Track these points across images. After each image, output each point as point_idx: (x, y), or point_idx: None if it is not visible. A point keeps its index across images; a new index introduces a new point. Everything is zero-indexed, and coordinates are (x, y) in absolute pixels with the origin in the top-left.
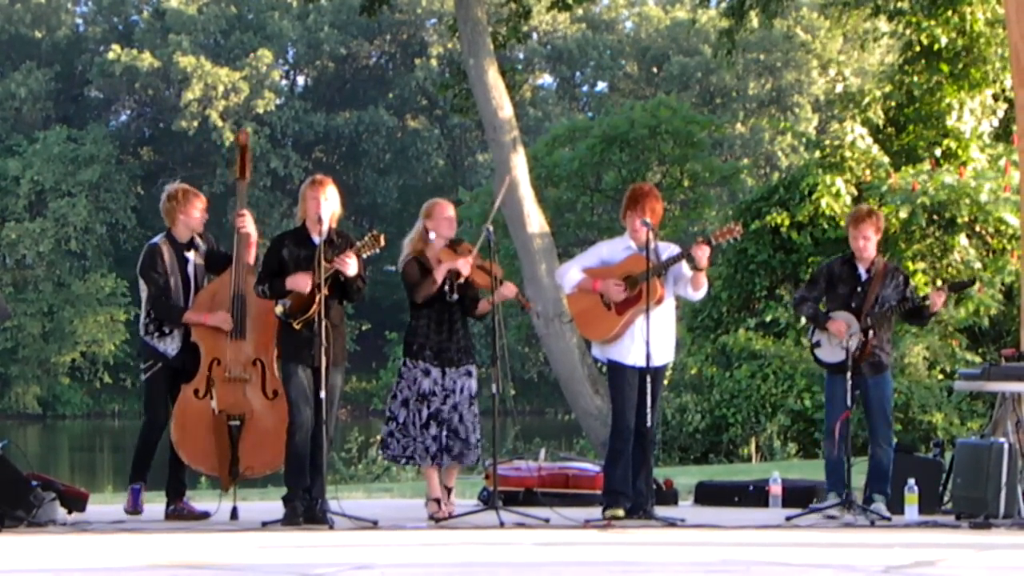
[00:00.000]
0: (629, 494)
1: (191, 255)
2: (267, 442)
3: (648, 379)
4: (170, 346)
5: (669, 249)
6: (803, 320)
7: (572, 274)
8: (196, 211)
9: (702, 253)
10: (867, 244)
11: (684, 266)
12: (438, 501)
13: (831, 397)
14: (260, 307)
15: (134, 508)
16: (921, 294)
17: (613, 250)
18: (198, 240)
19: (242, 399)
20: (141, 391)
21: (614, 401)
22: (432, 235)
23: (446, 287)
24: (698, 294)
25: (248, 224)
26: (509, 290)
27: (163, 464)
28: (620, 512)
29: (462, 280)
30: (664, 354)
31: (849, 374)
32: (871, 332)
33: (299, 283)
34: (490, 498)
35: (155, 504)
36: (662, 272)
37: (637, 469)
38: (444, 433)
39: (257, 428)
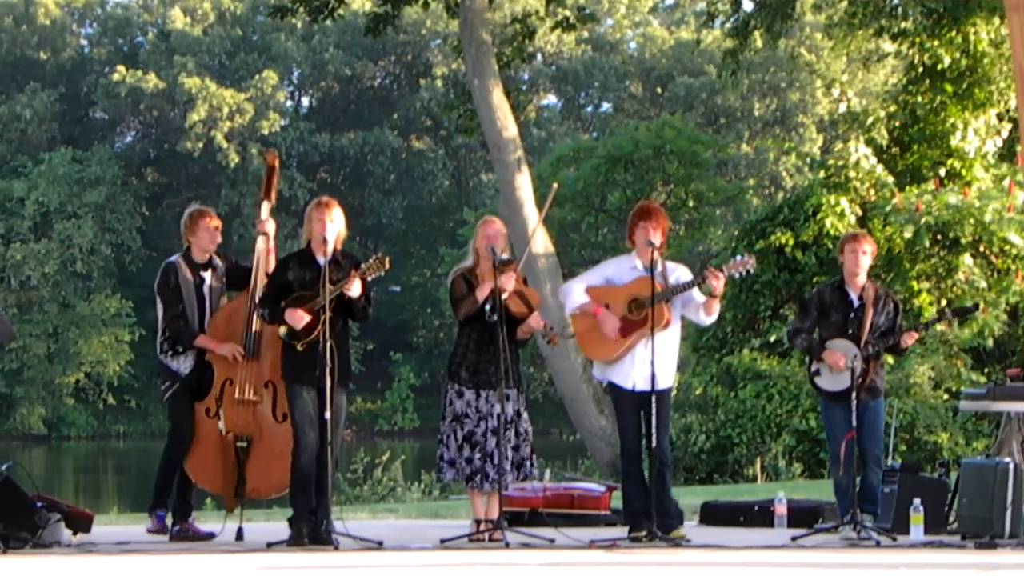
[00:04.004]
0: (650, 513)
1: (207, 275)
2: (275, 465)
3: (652, 402)
4: (183, 365)
5: (677, 271)
6: None
7: (576, 296)
8: (203, 232)
9: (717, 282)
10: (864, 259)
11: (695, 291)
12: (478, 522)
13: (831, 423)
14: (275, 328)
15: (162, 528)
16: (924, 320)
17: (619, 270)
18: (216, 260)
19: (251, 421)
20: (165, 410)
21: (618, 424)
22: (481, 251)
23: (487, 307)
24: (710, 319)
25: (269, 228)
26: (536, 322)
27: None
28: (643, 533)
29: (505, 295)
30: (666, 378)
31: (854, 401)
32: (871, 360)
33: (296, 319)
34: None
35: None
36: (670, 297)
37: (655, 491)
38: (478, 456)
39: (265, 450)
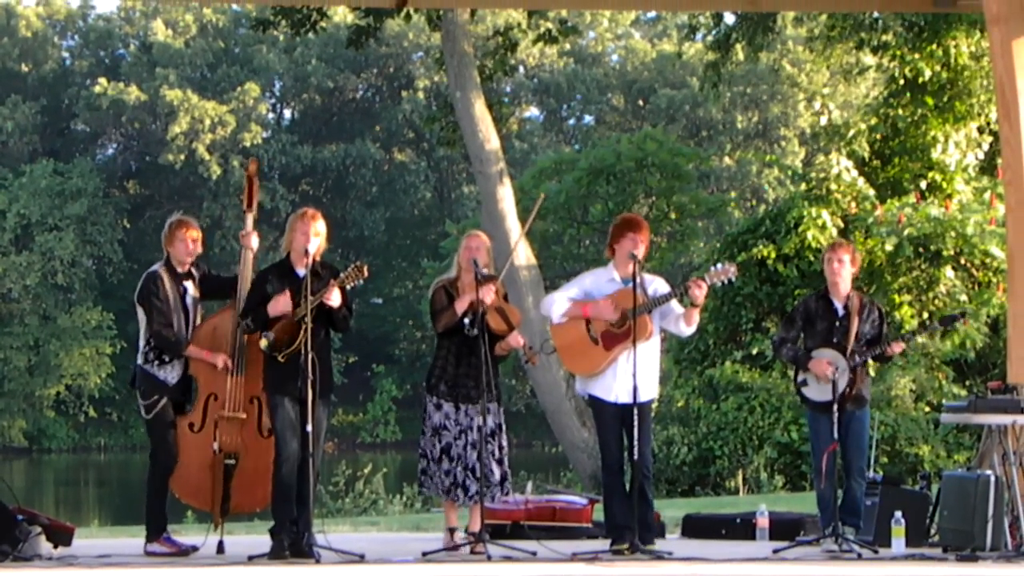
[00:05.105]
0: (632, 527)
1: (188, 285)
2: (259, 481)
3: (634, 414)
4: (170, 375)
5: (655, 282)
6: None
7: (559, 305)
8: (180, 243)
9: (700, 292)
10: (841, 268)
11: (673, 302)
12: (452, 531)
13: (817, 434)
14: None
15: (181, 548)
16: (907, 331)
17: (597, 282)
18: (193, 271)
19: (236, 437)
20: (144, 426)
21: (599, 437)
22: (464, 264)
23: (466, 320)
24: (689, 330)
25: (253, 242)
26: (516, 340)
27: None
28: (625, 546)
29: (482, 309)
30: (648, 390)
31: (836, 411)
32: (856, 369)
33: (280, 306)
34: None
35: (138, 538)
36: (651, 308)
37: (636, 504)
38: (457, 469)
39: (250, 466)
